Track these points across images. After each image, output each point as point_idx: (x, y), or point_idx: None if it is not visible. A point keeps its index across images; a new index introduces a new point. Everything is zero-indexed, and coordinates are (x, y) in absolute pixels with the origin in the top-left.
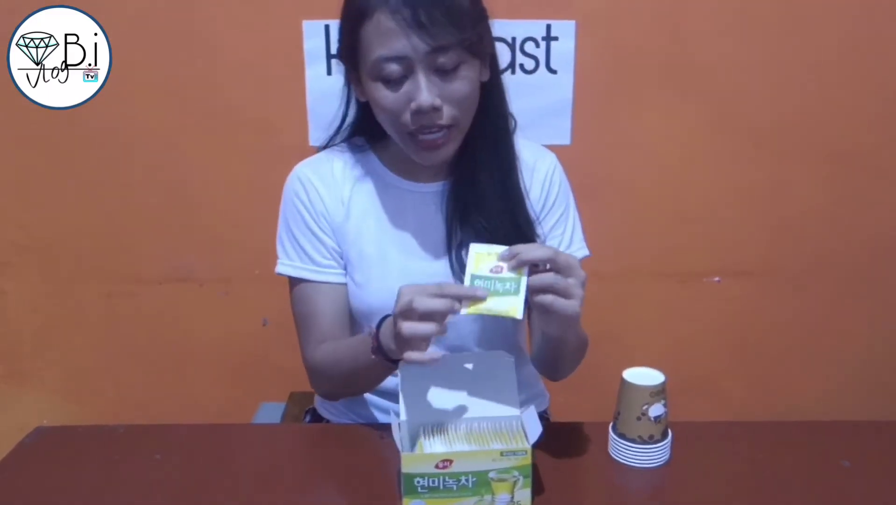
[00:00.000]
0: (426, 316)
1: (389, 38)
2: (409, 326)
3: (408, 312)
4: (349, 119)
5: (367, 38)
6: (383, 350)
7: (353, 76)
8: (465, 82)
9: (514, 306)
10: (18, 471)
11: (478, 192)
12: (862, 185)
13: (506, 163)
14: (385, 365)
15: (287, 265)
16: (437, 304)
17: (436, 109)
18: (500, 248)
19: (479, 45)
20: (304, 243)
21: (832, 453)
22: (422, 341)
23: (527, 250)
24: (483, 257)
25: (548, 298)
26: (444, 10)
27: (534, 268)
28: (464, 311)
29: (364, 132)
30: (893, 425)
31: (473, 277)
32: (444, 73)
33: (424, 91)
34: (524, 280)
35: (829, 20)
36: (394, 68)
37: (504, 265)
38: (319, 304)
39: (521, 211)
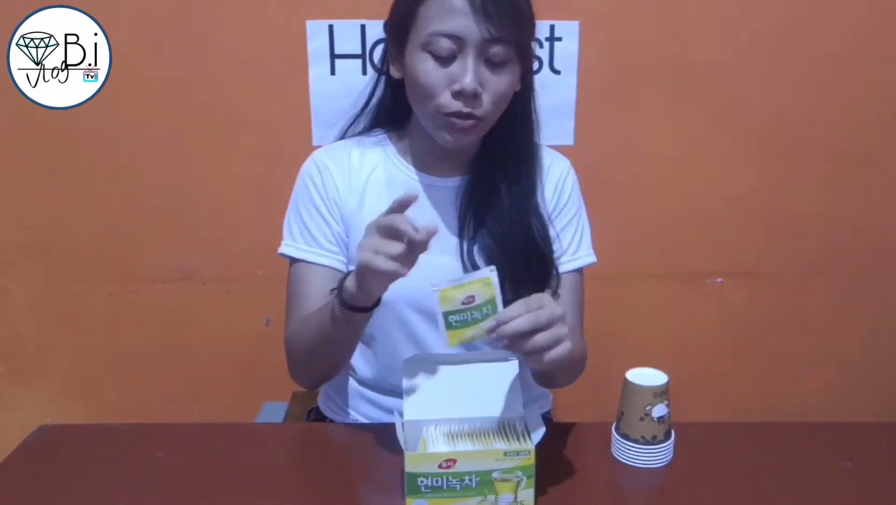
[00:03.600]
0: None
1: (452, 15)
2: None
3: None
4: (376, 99)
5: (428, 13)
6: (340, 288)
7: (395, 51)
8: (506, 79)
9: None
10: (21, 469)
11: (492, 193)
12: (863, 186)
13: (525, 171)
14: (339, 310)
15: (290, 246)
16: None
17: (476, 97)
18: (462, 280)
19: (526, 52)
20: (310, 225)
21: (834, 454)
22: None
23: (508, 326)
24: (449, 293)
25: (542, 359)
26: (510, 6)
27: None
28: (447, 347)
29: (385, 122)
30: (895, 426)
31: (447, 315)
32: (491, 64)
33: (471, 74)
34: (499, 300)
35: (831, 22)
36: (446, 44)
37: (476, 295)
38: (313, 284)
39: (536, 219)
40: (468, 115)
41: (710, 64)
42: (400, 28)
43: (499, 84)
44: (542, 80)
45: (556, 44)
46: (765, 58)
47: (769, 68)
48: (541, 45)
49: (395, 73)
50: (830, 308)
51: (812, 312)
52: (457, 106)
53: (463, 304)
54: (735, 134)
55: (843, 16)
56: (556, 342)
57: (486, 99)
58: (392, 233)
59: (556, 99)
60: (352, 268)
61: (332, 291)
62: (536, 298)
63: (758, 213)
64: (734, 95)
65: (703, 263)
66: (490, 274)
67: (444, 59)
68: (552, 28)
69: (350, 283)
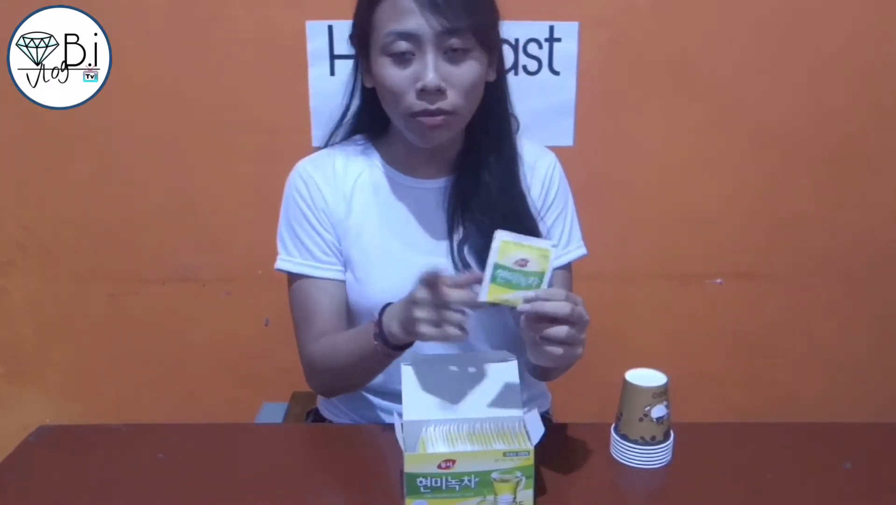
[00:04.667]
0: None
1: (404, 15)
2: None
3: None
4: (352, 110)
5: (382, 17)
6: (385, 336)
7: (363, 60)
8: (471, 70)
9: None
10: (21, 470)
11: (480, 189)
12: (862, 187)
13: (508, 162)
14: (385, 352)
15: (287, 261)
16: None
17: (440, 91)
18: (525, 240)
19: (489, 36)
20: (304, 239)
21: (833, 455)
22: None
23: (547, 304)
24: (509, 247)
25: (557, 350)
26: None
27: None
28: (483, 298)
29: (365, 129)
30: (894, 427)
31: (497, 267)
32: (452, 57)
33: (431, 71)
34: (546, 279)
35: (830, 22)
36: (403, 45)
37: (530, 259)
38: (319, 299)
39: (524, 209)
40: (436, 112)
41: (709, 64)
42: (361, 37)
43: (463, 76)
44: (542, 81)
45: (556, 44)
46: (765, 58)
47: (769, 69)
48: (539, 46)
49: (367, 82)
50: (830, 309)
51: (811, 313)
52: (422, 105)
53: (516, 263)
54: (735, 134)
55: (843, 16)
56: (573, 342)
57: (452, 93)
58: (446, 303)
59: (555, 100)
60: (352, 276)
61: (374, 335)
62: (575, 295)
63: (758, 214)
64: (734, 96)
65: (703, 263)
66: (551, 248)
67: (405, 60)
68: (551, 29)
69: (395, 328)
